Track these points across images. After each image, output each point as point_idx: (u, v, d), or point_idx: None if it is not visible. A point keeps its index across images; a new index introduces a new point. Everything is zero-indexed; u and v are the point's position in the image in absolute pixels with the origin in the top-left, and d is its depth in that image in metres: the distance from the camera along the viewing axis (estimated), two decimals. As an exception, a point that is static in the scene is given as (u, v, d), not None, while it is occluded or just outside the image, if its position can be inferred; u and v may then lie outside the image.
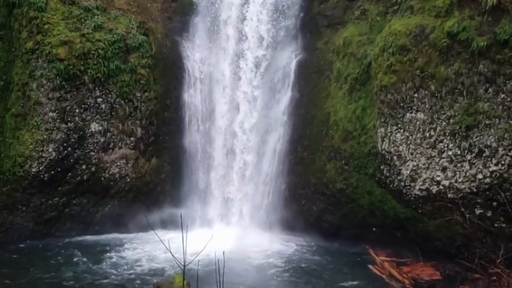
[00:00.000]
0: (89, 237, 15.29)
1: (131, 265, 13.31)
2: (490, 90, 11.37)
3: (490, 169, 11.46)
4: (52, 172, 14.79)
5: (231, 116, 16.51)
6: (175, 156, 16.60)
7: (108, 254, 14.05)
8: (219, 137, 16.60)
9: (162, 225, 14.84)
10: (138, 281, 12.31)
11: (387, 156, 13.22)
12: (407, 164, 12.82)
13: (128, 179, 15.70)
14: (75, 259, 13.59)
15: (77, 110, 14.93)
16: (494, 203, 11.51)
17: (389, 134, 13.11)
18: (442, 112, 12.11)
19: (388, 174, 13.27)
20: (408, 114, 12.70)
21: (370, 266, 13.37)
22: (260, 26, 16.29)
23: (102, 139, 15.30)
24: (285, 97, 16.22)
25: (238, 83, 16.44)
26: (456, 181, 12.04)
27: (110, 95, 15.27)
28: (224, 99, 16.60)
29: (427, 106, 12.34)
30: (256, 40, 16.27)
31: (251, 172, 16.31)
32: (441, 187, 12.28)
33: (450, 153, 12.10)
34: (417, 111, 12.53)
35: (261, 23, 16.30)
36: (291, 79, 16.22)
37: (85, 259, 13.56)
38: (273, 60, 16.31)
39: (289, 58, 16.38)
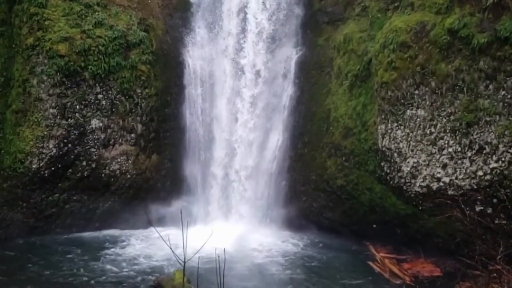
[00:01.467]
0: (89, 234, 15.31)
1: (131, 262, 13.32)
2: (490, 87, 11.37)
3: (491, 166, 11.47)
4: (53, 169, 14.80)
5: (232, 112, 16.49)
6: (176, 152, 16.60)
7: (108, 250, 14.07)
8: (220, 133, 16.59)
9: (162, 222, 14.87)
10: (138, 278, 12.31)
11: (387, 153, 13.22)
12: (407, 161, 12.82)
13: (129, 176, 15.71)
14: (74, 256, 13.60)
15: (77, 107, 14.93)
16: (494, 200, 11.52)
17: (389, 130, 13.10)
18: (443, 109, 12.11)
19: (388, 171, 13.28)
20: (408, 111, 12.70)
21: (371, 263, 13.40)
22: (261, 22, 16.25)
23: (103, 136, 15.30)
24: (286, 94, 16.22)
25: (239, 81, 16.40)
26: (456, 178, 12.05)
27: (110, 92, 15.27)
28: (224, 95, 16.57)
29: (427, 103, 12.33)
30: (256, 35, 16.24)
31: (251, 169, 16.31)
32: (441, 184, 12.29)
33: (450, 150, 12.10)
34: (418, 108, 12.53)
35: (262, 19, 16.26)
36: (291, 76, 16.23)
37: (85, 256, 13.57)
38: (273, 57, 16.29)
39: (289, 55, 16.38)
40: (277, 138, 16.20)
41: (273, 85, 16.37)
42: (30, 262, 13.01)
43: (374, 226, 14.22)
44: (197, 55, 16.77)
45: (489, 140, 11.44)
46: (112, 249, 14.17)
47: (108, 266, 12.96)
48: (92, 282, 11.98)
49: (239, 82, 16.35)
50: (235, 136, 16.39)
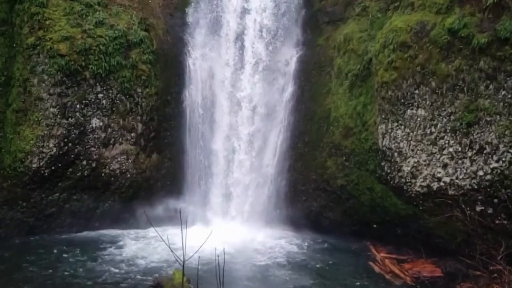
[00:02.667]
0: (89, 233, 15.30)
1: (130, 262, 13.29)
2: (491, 87, 11.35)
3: (491, 166, 11.45)
4: (53, 168, 14.80)
5: (232, 111, 16.48)
6: (176, 152, 16.60)
7: (107, 250, 14.05)
8: (219, 132, 16.59)
9: (162, 221, 14.80)
10: (137, 278, 12.27)
11: (387, 153, 13.21)
12: (407, 160, 12.81)
13: (129, 175, 15.72)
14: (73, 255, 13.56)
15: (78, 106, 14.93)
16: (495, 200, 11.50)
17: (389, 130, 13.10)
18: (443, 108, 12.10)
19: (389, 171, 13.27)
20: (409, 110, 12.69)
21: (371, 263, 13.39)
22: (262, 21, 16.24)
23: (103, 135, 15.30)
24: (286, 93, 16.22)
25: (239, 81, 16.39)
26: (457, 178, 12.03)
27: (111, 91, 15.27)
28: (224, 94, 16.57)
29: (427, 102, 12.32)
30: (257, 34, 16.22)
31: (251, 169, 16.31)
32: (441, 183, 12.27)
33: (451, 149, 12.08)
34: (418, 107, 12.52)
35: (263, 18, 16.25)
36: (291, 75, 16.22)
37: (84, 255, 13.54)
38: (274, 56, 16.28)
39: (290, 54, 16.37)
40: (277, 138, 16.19)
41: (274, 84, 16.36)
42: (28, 262, 12.96)
43: (375, 226, 14.21)
44: (197, 54, 16.77)
45: (489, 140, 11.43)
46: (111, 249, 14.15)
47: (107, 266, 12.92)
48: (90, 282, 11.91)
49: (239, 80, 16.37)
50: (235, 134, 16.42)
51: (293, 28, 16.47)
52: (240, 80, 16.29)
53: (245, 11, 16.37)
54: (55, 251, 13.83)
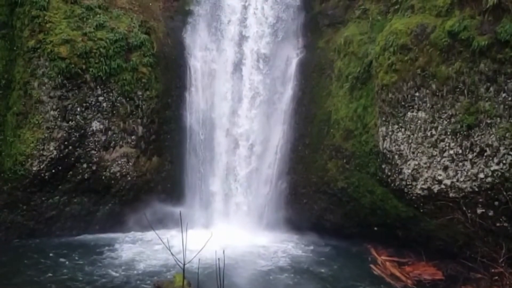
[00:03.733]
0: (89, 236, 15.26)
1: (130, 265, 13.24)
2: (491, 89, 11.35)
3: (492, 168, 11.44)
4: (53, 171, 14.80)
5: (232, 114, 16.48)
6: (176, 154, 16.60)
7: (107, 253, 14.00)
8: (220, 135, 16.58)
9: (162, 224, 14.79)
10: (138, 281, 12.24)
11: (388, 155, 13.20)
12: (408, 163, 12.80)
13: (129, 178, 15.71)
14: (73, 259, 13.51)
15: (78, 109, 14.93)
16: (496, 202, 11.49)
17: (390, 133, 13.09)
18: (443, 111, 12.10)
19: (389, 173, 13.26)
20: (409, 113, 12.69)
21: (372, 266, 13.36)
22: (262, 25, 16.26)
23: (103, 138, 15.30)
24: (286, 96, 16.23)
25: (241, 81, 16.41)
26: (457, 180, 12.02)
27: (111, 94, 15.27)
28: (225, 97, 16.56)
29: (428, 105, 12.32)
30: (257, 38, 16.24)
31: (252, 171, 16.30)
32: (442, 186, 12.26)
33: (451, 152, 12.08)
34: (418, 110, 12.51)
35: (263, 21, 16.27)
36: (292, 78, 16.22)
37: (83, 259, 13.48)
38: (274, 59, 16.30)
39: (290, 57, 16.37)
40: (277, 140, 16.19)
41: (274, 87, 16.36)
42: (27, 266, 12.90)
43: (375, 228, 14.19)
44: (198, 57, 16.79)
45: (490, 143, 11.42)
46: (111, 252, 14.11)
47: (106, 270, 12.87)
48: (90, 287, 11.85)
49: (240, 82, 16.39)
50: (236, 136, 16.43)
51: (294, 31, 16.50)
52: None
53: (243, 38, 16.34)
54: (54, 254, 13.79)
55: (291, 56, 16.40)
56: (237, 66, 16.37)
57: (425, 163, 12.51)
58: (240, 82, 16.31)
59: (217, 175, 16.54)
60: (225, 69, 16.52)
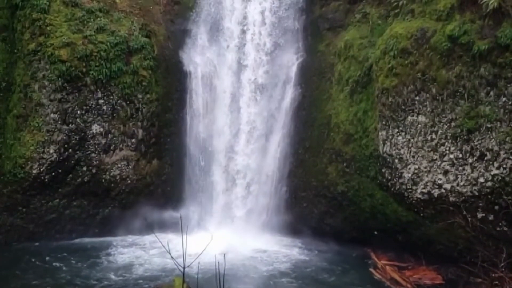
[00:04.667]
0: (89, 239, 15.23)
1: (130, 268, 13.23)
2: (491, 93, 11.35)
3: (492, 173, 11.43)
4: (53, 174, 14.78)
5: (232, 117, 16.49)
6: (176, 158, 16.59)
7: (106, 257, 13.99)
8: (220, 139, 16.58)
9: (162, 227, 14.80)
10: (137, 284, 12.22)
11: (388, 159, 13.20)
12: (408, 167, 12.79)
13: (129, 181, 15.69)
14: (72, 262, 13.49)
15: (78, 112, 14.94)
16: (496, 207, 11.47)
17: (390, 137, 13.09)
18: (444, 115, 12.09)
19: (389, 177, 13.24)
20: (409, 117, 12.68)
21: (372, 270, 13.33)
22: (262, 27, 16.28)
23: (103, 141, 15.30)
24: (287, 99, 16.22)
25: (240, 85, 16.42)
26: (457, 185, 12.01)
27: (111, 97, 15.28)
28: (225, 101, 16.57)
29: (428, 109, 12.32)
30: (257, 41, 16.25)
31: (252, 175, 16.28)
32: (442, 190, 12.25)
33: (451, 156, 12.07)
34: (419, 114, 12.51)
35: (263, 25, 16.29)
36: (292, 82, 16.23)
37: (83, 262, 13.47)
38: (274, 63, 16.31)
39: (290, 61, 16.38)
40: (278, 144, 16.17)
41: (274, 90, 16.37)
42: (25, 269, 12.88)
43: (375, 232, 14.16)
44: (198, 60, 16.80)
45: (490, 147, 11.41)
46: (111, 256, 14.10)
47: (105, 273, 12.84)
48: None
49: (239, 86, 16.39)
50: (236, 140, 16.41)
51: (294, 35, 16.52)
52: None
53: (241, 67, 16.35)
54: (53, 257, 13.76)
55: (292, 60, 16.40)
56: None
57: (425, 167, 12.50)
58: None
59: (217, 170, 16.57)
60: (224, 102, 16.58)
